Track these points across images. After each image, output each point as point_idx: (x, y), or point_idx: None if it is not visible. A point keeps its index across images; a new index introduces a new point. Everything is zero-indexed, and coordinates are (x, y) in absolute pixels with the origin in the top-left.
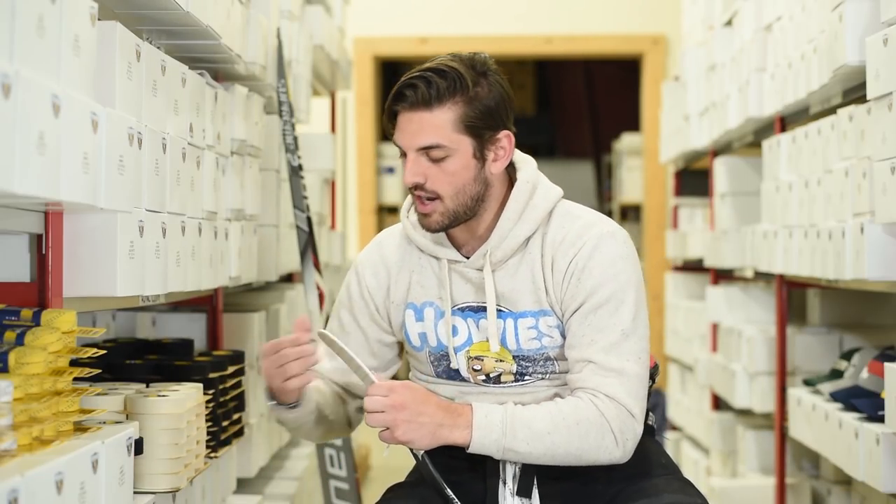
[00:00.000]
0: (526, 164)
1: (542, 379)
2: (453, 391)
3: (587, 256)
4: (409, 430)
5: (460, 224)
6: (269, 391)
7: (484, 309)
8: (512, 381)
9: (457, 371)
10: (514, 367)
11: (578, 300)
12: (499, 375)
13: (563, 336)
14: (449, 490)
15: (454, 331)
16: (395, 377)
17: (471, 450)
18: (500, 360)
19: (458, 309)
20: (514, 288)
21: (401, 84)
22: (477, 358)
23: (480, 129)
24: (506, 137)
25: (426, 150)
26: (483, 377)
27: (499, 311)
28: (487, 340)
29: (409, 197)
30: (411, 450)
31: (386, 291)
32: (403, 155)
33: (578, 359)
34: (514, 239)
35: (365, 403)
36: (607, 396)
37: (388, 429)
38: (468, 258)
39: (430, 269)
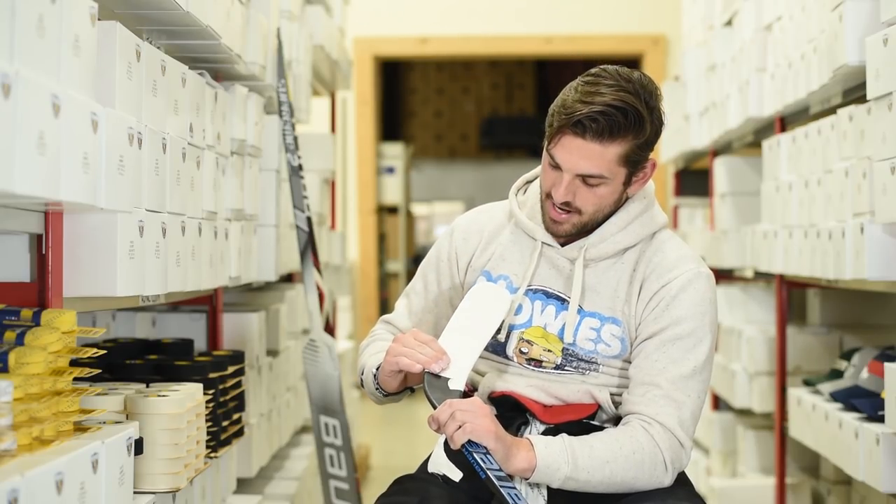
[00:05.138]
0: (647, 184)
1: (580, 374)
2: (493, 367)
3: (680, 287)
4: (477, 425)
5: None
6: (376, 378)
7: (557, 297)
8: (552, 369)
9: (503, 348)
10: (559, 360)
11: (660, 325)
12: (540, 362)
13: (623, 348)
14: (507, 493)
15: (518, 309)
16: None
17: (534, 476)
18: (548, 350)
19: (531, 290)
20: (595, 288)
21: (580, 113)
22: (527, 341)
23: (637, 161)
24: (650, 165)
25: (586, 177)
26: (526, 360)
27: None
28: (545, 327)
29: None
30: (467, 455)
31: (470, 257)
32: (553, 166)
33: (644, 381)
34: (612, 245)
35: (433, 414)
36: (661, 426)
37: (461, 427)
38: (562, 246)
39: (519, 246)
